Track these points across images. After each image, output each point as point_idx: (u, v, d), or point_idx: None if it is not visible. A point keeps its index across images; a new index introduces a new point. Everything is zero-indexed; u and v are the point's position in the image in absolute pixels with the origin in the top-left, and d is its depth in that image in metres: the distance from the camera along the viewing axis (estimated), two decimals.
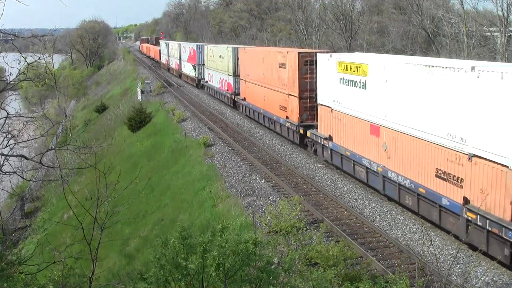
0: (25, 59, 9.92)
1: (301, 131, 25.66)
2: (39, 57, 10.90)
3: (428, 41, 44.63)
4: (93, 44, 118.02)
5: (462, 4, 36.90)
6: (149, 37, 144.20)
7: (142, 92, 55.28)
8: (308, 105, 25.53)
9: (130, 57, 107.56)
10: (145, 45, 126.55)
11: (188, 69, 58.54)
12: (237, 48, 38.27)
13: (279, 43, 61.67)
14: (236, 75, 38.06)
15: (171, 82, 62.72)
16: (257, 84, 32.34)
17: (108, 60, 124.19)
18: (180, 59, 63.35)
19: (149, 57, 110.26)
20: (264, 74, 30.49)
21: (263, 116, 31.73)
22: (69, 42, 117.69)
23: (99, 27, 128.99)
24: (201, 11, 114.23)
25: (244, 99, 35.62)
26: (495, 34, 37.01)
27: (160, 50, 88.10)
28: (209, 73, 47.74)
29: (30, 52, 15.71)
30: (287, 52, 26.85)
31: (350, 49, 46.97)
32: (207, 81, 49.20)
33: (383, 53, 40.60)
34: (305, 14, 58.50)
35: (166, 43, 79.90)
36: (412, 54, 41.09)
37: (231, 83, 39.06)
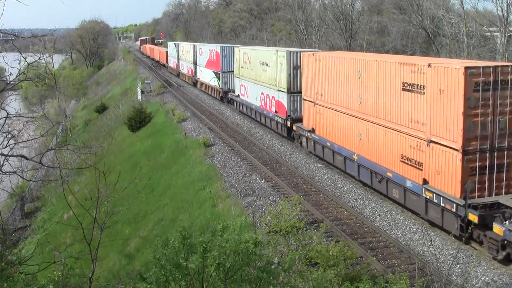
0: (25, 59, 9.94)
1: (473, 218, 14.08)
2: (39, 57, 10.93)
3: (428, 41, 44.65)
4: (93, 44, 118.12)
5: (462, 4, 36.93)
6: (146, 37, 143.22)
7: (142, 92, 55.31)
8: (477, 164, 14.56)
9: (130, 57, 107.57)
10: (148, 46, 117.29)
11: (207, 77, 47.71)
12: (296, 52, 27.31)
13: (279, 43, 61.68)
14: (292, 91, 27.19)
15: (171, 82, 62.65)
16: (342, 112, 21.27)
17: (108, 60, 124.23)
18: (195, 63, 53.36)
19: (153, 59, 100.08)
20: (361, 97, 19.65)
21: (357, 166, 20.29)
22: (69, 42, 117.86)
23: (99, 27, 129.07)
24: (201, 11, 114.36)
25: (312, 131, 24.34)
26: (495, 34, 37.03)
27: (167, 52, 78.37)
28: (242, 85, 36.13)
29: (30, 52, 15.74)
30: (429, 66, 15.37)
31: (350, 49, 46.99)
32: (238, 95, 37.41)
33: (383, 53, 40.60)
34: (305, 14, 58.54)
35: (175, 44, 68.06)
36: (412, 54, 41.12)
37: (284, 103, 27.72)
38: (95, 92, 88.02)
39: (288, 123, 27.47)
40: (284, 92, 27.61)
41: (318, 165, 24.22)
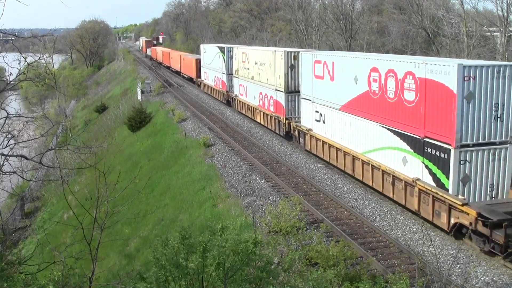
0: (25, 59, 9.95)
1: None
2: (39, 57, 10.94)
3: (428, 41, 44.64)
4: (93, 44, 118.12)
5: (462, 4, 36.93)
6: (143, 38, 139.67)
7: (142, 92, 55.31)
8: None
9: (130, 57, 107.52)
10: (160, 49, 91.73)
11: (361, 142, 20.11)
12: None
13: (279, 43, 61.69)
14: None
15: (171, 82, 62.60)
16: None
17: (108, 60, 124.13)
18: (288, 92, 27.95)
19: (168, 68, 76.25)
20: None
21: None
22: (69, 42, 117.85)
23: (99, 27, 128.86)
24: (201, 11, 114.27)
25: None
26: (495, 34, 37.02)
27: (198, 61, 53.44)
28: None
29: (30, 52, 15.74)
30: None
31: (350, 49, 46.99)
32: None
33: (383, 53, 40.59)
34: (305, 14, 58.56)
35: (221, 48, 42.90)
36: (412, 54, 41.10)
37: None
38: (95, 92, 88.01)
39: None
40: None
41: (318, 165, 24.22)
